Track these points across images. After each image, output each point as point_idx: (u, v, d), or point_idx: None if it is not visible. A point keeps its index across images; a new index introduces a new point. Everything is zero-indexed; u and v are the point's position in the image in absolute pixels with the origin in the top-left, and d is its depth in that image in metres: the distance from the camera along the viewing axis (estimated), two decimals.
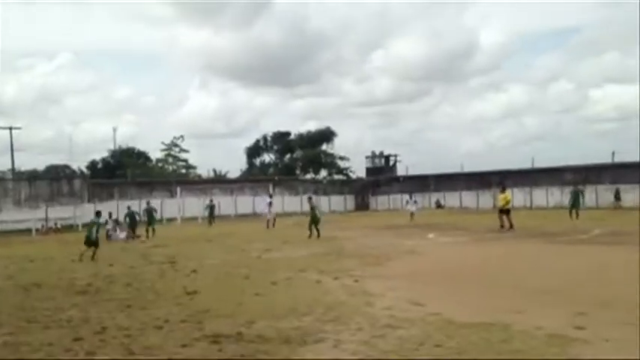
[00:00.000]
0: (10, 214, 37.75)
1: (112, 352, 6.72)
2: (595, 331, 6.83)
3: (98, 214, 19.35)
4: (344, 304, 9.27)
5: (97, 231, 17.92)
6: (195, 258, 16.67)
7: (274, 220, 30.96)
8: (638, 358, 5.77)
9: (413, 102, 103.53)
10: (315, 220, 22.43)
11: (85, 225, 32.88)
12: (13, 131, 52.63)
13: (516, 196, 45.73)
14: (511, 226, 22.66)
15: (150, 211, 27.10)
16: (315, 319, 8.11)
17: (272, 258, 16.27)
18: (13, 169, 52.35)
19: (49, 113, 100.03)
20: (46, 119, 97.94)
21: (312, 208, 23.06)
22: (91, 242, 17.47)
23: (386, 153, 66.67)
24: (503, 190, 24.12)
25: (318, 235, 21.90)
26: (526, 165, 49.63)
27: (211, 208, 36.13)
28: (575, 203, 28.75)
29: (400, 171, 63.34)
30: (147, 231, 25.84)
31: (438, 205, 52.39)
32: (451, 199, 51.06)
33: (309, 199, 25.92)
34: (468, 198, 50.26)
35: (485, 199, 46.53)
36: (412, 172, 60.17)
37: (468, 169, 54.34)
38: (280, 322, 8.00)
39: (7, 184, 41.21)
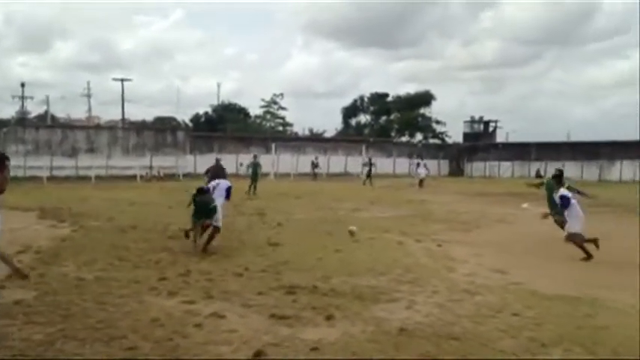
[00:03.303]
0: (118, 160, 40.55)
1: (193, 293, 7.04)
2: None
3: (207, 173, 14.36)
4: (423, 266, 9.13)
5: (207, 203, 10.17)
6: (284, 212, 16.99)
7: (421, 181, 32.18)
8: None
9: (522, 66, 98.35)
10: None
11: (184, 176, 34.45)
12: (125, 83, 55.70)
13: (625, 169, 42.74)
14: None
15: (255, 166, 25.84)
16: (392, 279, 8.04)
17: (358, 217, 16.24)
18: (123, 119, 55.94)
19: (160, 68, 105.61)
20: (158, 73, 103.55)
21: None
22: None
23: (487, 119, 64.23)
24: None
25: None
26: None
27: (370, 165, 34.62)
28: None
29: (500, 138, 60.95)
30: (250, 186, 24.76)
31: (538, 175, 49.66)
32: (553, 169, 48.20)
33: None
34: (572, 169, 47.25)
35: (591, 171, 43.65)
36: (513, 139, 57.56)
37: (575, 138, 51.00)
38: (356, 279, 8.01)
39: (117, 133, 44.10)
